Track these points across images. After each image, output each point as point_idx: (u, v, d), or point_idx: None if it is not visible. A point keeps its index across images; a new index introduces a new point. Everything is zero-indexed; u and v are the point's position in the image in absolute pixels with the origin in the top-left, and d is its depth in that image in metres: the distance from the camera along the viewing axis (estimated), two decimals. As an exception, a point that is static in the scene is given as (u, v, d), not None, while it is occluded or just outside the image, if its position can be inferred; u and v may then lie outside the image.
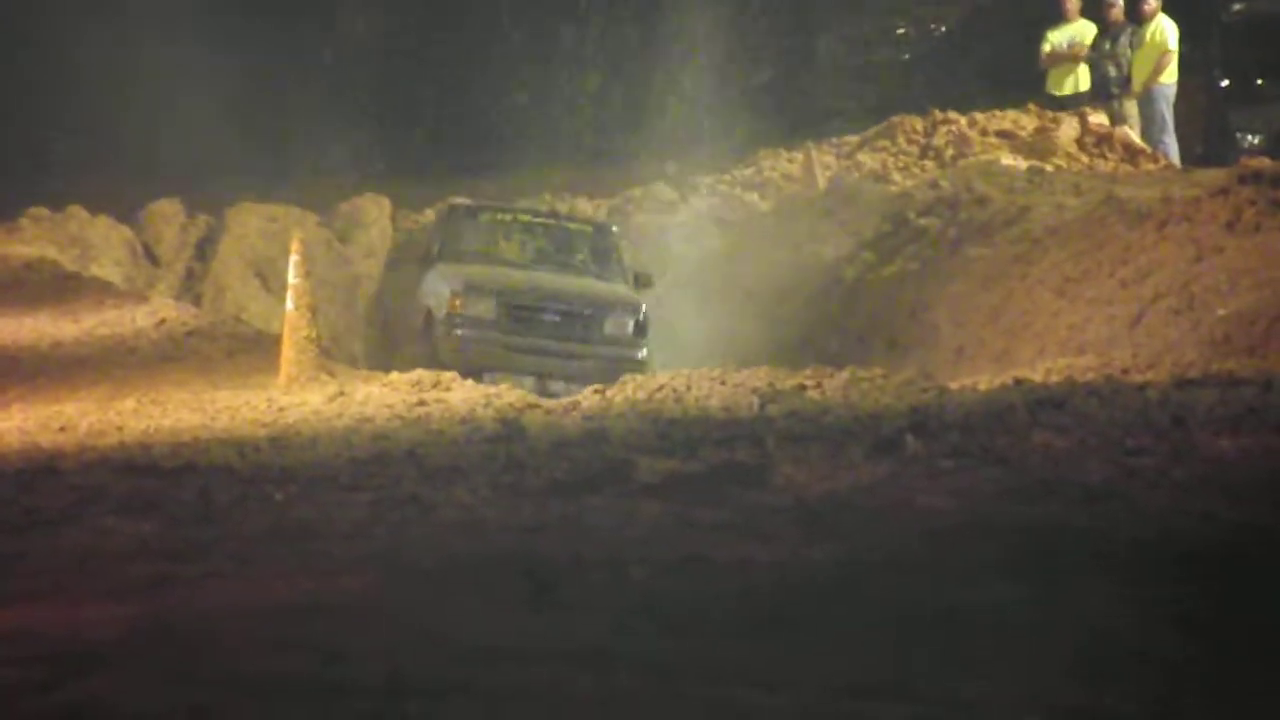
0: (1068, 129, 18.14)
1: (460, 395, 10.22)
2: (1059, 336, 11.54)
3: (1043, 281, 12.42)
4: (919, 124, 19.52)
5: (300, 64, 26.06)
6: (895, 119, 19.78)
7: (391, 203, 20.20)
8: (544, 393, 13.26)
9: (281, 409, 9.88)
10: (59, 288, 15.57)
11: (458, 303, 13.75)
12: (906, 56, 27.48)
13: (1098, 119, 18.14)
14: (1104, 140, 17.90)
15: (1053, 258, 12.63)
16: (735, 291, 15.88)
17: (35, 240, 18.34)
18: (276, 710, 3.62)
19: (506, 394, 10.22)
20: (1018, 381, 8.93)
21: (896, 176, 18.36)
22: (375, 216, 19.88)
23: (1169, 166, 17.17)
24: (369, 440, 8.32)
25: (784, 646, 4.05)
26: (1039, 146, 18.08)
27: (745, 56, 26.06)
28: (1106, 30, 18.22)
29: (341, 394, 10.38)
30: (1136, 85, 18.03)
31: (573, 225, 15.90)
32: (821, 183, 18.33)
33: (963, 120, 19.17)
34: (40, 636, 4.36)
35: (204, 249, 19.32)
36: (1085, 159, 17.73)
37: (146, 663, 4.00)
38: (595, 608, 4.40)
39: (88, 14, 23.86)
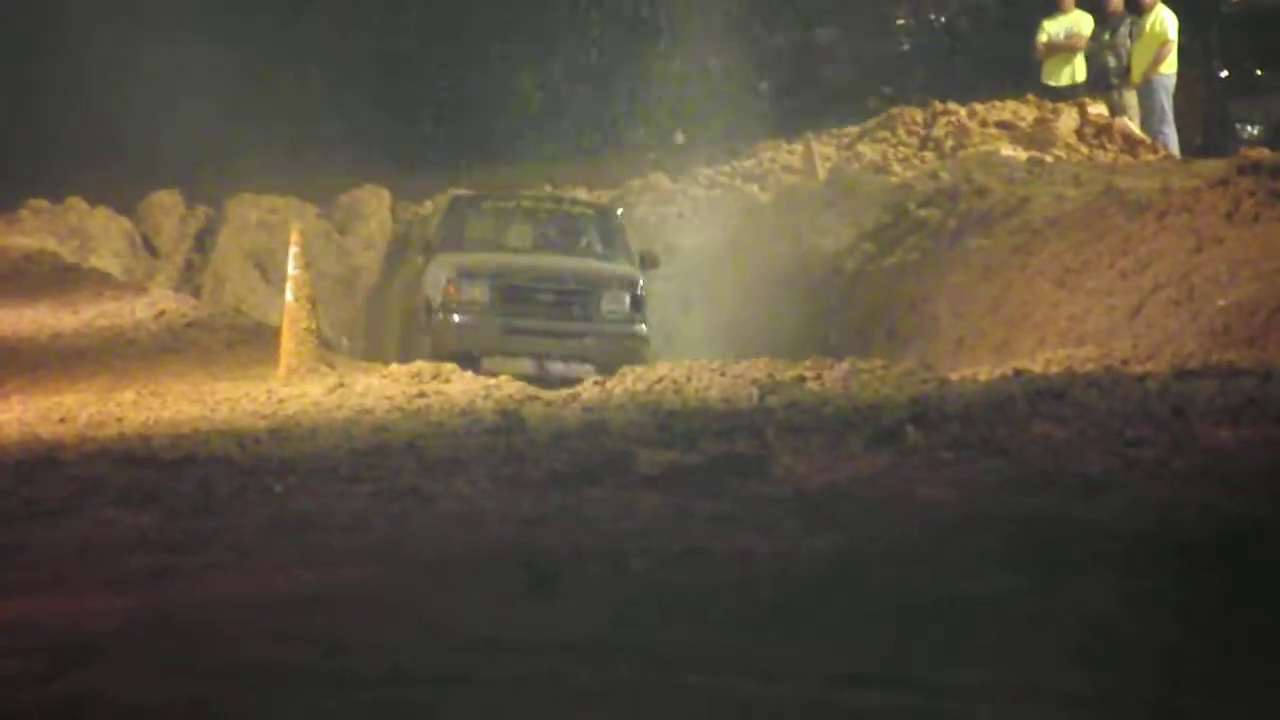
0: (1067, 120, 18.13)
1: (460, 387, 10.22)
2: (1059, 327, 11.54)
3: (1042, 272, 12.42)
4: (919, 115, 19.52)
5: (300, 56, 26.04)
6: (895, 110, 19.78)
7: (391, 194, 20.20)
8: (544, 373, 13.25)
9: (281, 400, 9.89)
10: (58, 279, 15.57)
11: (452, 289, 13.74)
12: (906, 47, 27.47)
13: (1097, 110, 18.14)
14: (1103, 131, 17.90)
15: (1052, 248, 12.63)
16: (735, 283, 15.88)
17: (35, 232, 18.35)
18: (276, 701, 3.62)
19: (506, 385, 10.22)
20: (1018, 372, 8.94)
21: (896, 168, 18.36)
22: (375, 208, 19.88)
23: (1168, 157, 17.17)
24: (369, 432, 8.33)
25: (784, 637, 4.05)
26: (1038, 137, 18.07)
27: (745, 48, 26.03)
28: (1106, 21, 18.21)
29: (341, 385, 10.38)
30: (1136, 76, 18.03)
31: (576, 209, 15.85)
32: (821, 174, 18.32)
33: (962, 111, 19.16)
34: (40, 627, 4.36)
35: (203, 240, 19.33)
36: (1085, 150, 17.73)
37: (146, 654, 4.01)
38: (595, 599, 4.41)
39: (88, 8, 23.84)
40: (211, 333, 13.04)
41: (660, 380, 9.94)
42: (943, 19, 27.49)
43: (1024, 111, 18.73)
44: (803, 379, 9.38)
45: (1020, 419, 6.85)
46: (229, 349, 12.44)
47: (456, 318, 13.66)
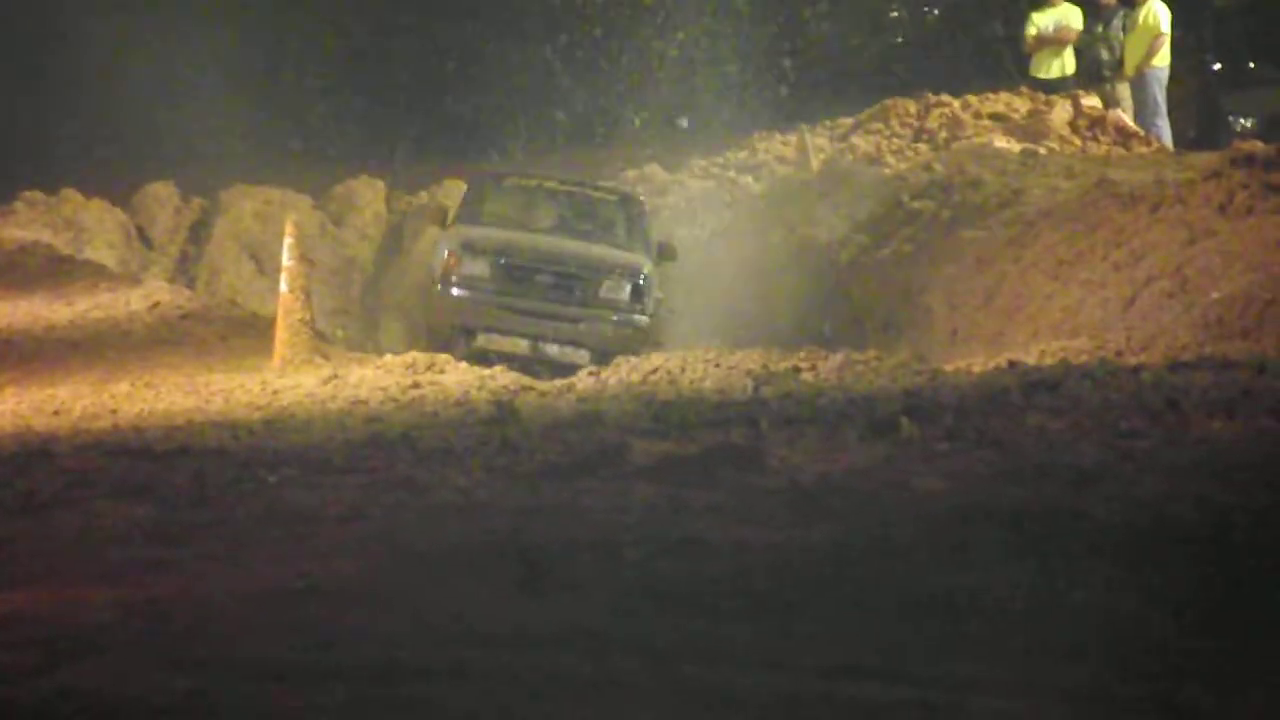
0: (1060, 112, 18.12)
1: (454, 378, 10.23)
2: (1052, 319, 11.55)
3: (1036, 264, 12.43)
4: (912, 107, 19.51)
5: (295, 45, 26.02)
6: (889, 102, 19.77)
7: (386, 185, 20.19)
8: (539, 355, 13.22)
9: (275, 392, 9.89)
10: (53, 271, 15.56)
11: (453, 262, 13.67)
12: (900, 39, 27.47)
13: (1090, 102, 18.14)
14: (1097, 123, 17.89)
15: (1046, 240, 12.63)
16: (729, 274, 15.87)
17: (29, 224, 18.33)
18: (270, 693, 3.62)
19: (500, 376, 10.22)
20: (1012, 364, 8.94)
21: (890, 159, 18.35)
22: (369, 199, 19.87)
23: (1162, 150, 17.17)
24: (363, 423, 8.33)
25: (778, 628, 4.05)
26: (1032, 129, 18.06)
27: (739, 39, 26.02)
28: (1098, 13, 18.21)
29: (335, 377, 10.38)
30: (1129, 68, 18.02)
31: (596, 194, 15.72)
32: (815, 165, 18.31)
33: (956, 103, 19.16)
34: (34, 620, 4.36)
35: (198, 232, 19.32)
36: (1078, 142, 17.73)
37: (140, 647, 4.01)
38: (589, 590, 4.41)
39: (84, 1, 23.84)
40: (206, 324, 13.04)
41: (655, 371, 9.95)
42: (935, 11, 27.49)
43: (1017, 103, 18.73)
44: (797, 370, 9.39)
45: (1014, 411, 6.85)
46: (223, 341, 12.44)
47: (455, 291, 13.58)
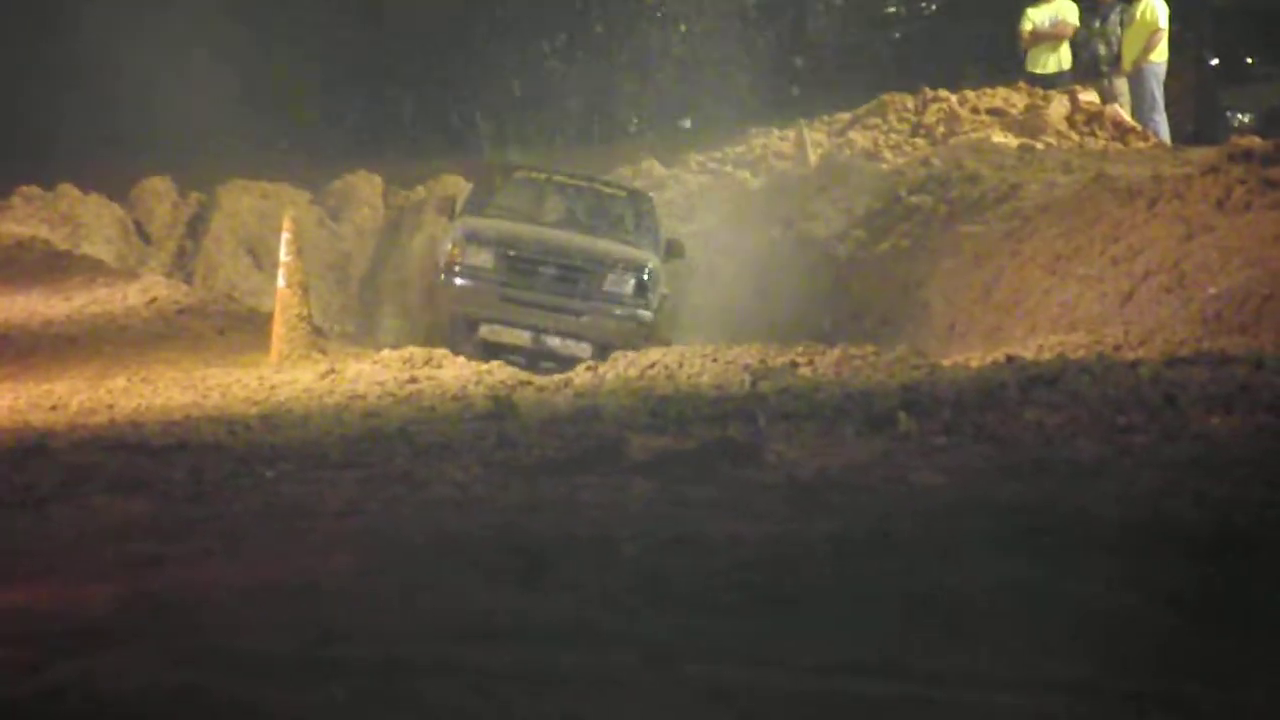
0: (1058, 107, 18.13)
1: (452, 372, 10.23)
2: (1050, 314, 11.55)
3: (1034, 259, 12.43)
4: (910, 102, 19.53)
5: (293, 41, 26.01)
6: (886, 97, 19.78)
7: (383, 180, 20.19)
8: (541, 348, 13.23)
9: (273, 387, 9.89)
10: (50, 266, 15.56)
11: (456, 252, 13.67)
12: (898, 35, 27.48)
13: (1088, 97, 18.14)
14: (1094, 118, 17.91)
15: (1044, 235, 12.64)
16: (727, 268, 15.88)
17: (27, 218, 18.33)
18: (268, 688, 3.61)
19: (498, 371, 10.22)
20: (1009, 359, 8.95)
21: (888, 154, 18.36)
22: (367, 194, 19.88)
23: (1159, 145, 17.18)
24: (360, 418, 8.33)
25: (776, 624, 4.05)
26: (1029, 124, 18.07)
27: (737, 34, 26.02)
28: (1096, 9, 18.22)
29: (333, 371, 10.39)
30: (1127, 63, 18.03)
31: (607, 190, 15.74)
32: (813, 160, 18.32)
33: (953, 98, 19.17)
34: (30, 615, 4.36)
35: (196, 227, 19.33)
36: (1075, 137, 17.74)
37: (138, 642, 4.00)
38: (587, 585, 4.40)
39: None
40: (203, 319, 13.04)
41: (652, 366, 9.95)
42: (934, 6, 27.50)
43: (1015, 98, 18.74)
44: (795, 365, 9.39)
45: (1012, 405, 6.85)
46: (221, 335, 12.45)
47: (458, 281, 13.59)
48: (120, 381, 10.32)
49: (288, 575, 4.65)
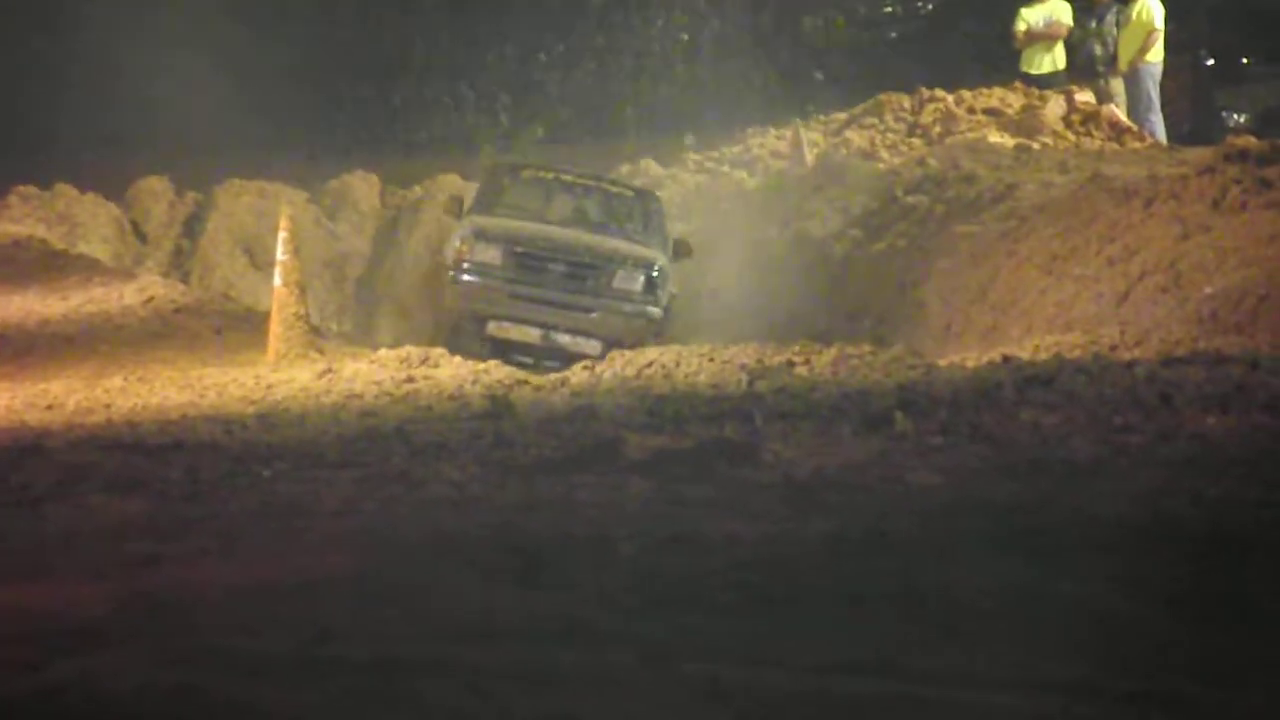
0: (1054, 107, 18.15)
1: (449, 372, 10.23)
2: (1046, 314, 11.55)
3: (1030, 259, 12.43)
4: (906, 101, 19.54)
5: (289, 39, 25.99)
6: (883, 96, 19.79)
7: (381, 179, 20.19)
8: (550, 345, 13.22)
9: (270, 386, 9.89)
10: (47, 265, 15.55)
11: (465, 249, 13.65)
12: (894, 35, 27.48)
13: (1084, 97, 18.16)
14: (1090, 118, 17.92)
15: (1040, 235, 12.64)
16: (723, 268, 15.88)
17: (23, 218, 18.33)
18: (264, 688, 3.61)
19: (495, 370, 10.22)
20: (1006, 359, 8.95)
21: (884, 154, 18.37)
22: (364, 193, 19.87)
23: (1155, 145, 17.20)
24: (357, 417, 8.33)
25: (773, 623, 4.05)
26: (1026, 124, 18.09)
27: (733, 34, 26.02)
28: (1092, 9, 18.23)
29: (330, 371, 10.39)
30: (1123, 64, 18.05)
31: (613, 188, 15.72)
32: (810, 160, 18.33)
33: (950, 98, 19.18)
34: (28, 614, 4.35)
35: (192, 226, 19.32)
36: (1072, 137, 17.75)
37: (134, 641, 4.00)
38: (584, 584, 4.41)
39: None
40: (200, 319, 13.04)
41: (649, 365, 9.95)
42: (930, 5, 27.50)
43: (1011, 98, 18.75)
44: (791, 364, 9.39)
45: (1008, 405, 6.86)
46: (217, 335, 12.44)
47: (466, 278, 13.56)
48: (117, 381, 10.32)
49: (284, 574, 4.65)
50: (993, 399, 7.01)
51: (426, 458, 6.66)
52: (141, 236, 19.29)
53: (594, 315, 13.47)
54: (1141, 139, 17.44)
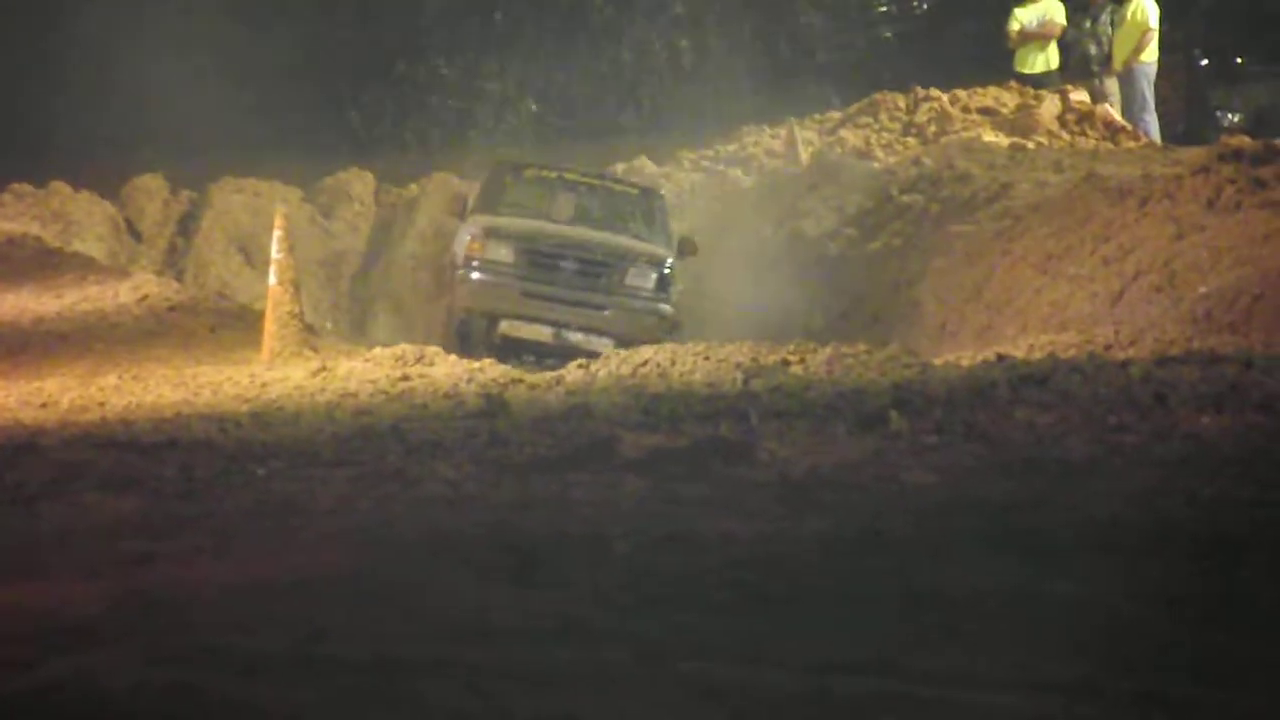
0: (1049, 106, 18.16)
1: (444, 370, 10.22)
2: (1041, 313, 11.56)
3: (1025, 258, 12.44)
4: (901, 101, 19.55)
5: (285, 38, 25.98)
6: (878, 96, 19.80)
7: (375, 178, 20.18)
8: (562, 343, 13.18)
9: (264, 384, 9.88)
10: (41, 263, 15.53)
11: (477, 246, 13.55)
12: (889, 34, 27.48)
13: (1079, 97, 18.17)
14: (1085, 118, 17.93)
15: (1034, 234, 12.65)
16: (718, 266, 15.88)
17: (18, 216, 18.31)
18: (259, 686, 3.61)
19: (490, 369, 10.22)
20: (1000, 358, 8.95)
21: (879, 153, 18.39)
22: (359, 191, 19.86)
23: (1150, 144, 17.21)
24: (352, 415, 8.32)
25: (767, 622, 4.06)
26: (1020, 124, 18.10)
27: (728, 32, 26.01)
28: (1087, 8, 18.24)
29: (324, 369, 10.38)
30: (1117, 63, 18.06)
31: (617, 186, 15.67)
32: (804, 159, 18.33)
33: (944, 97, 19.19)
34: (22, 613, 4.35)
35: (187, 224, 19.31)
36: (1066, 136, 17.77)
37: (129, 639, 4.00)
38: (579, 583, 4.41)
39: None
40: (195, 317, 13.03)
41: (644, 364, 9.95)
42: (925, 5, 27.51)
43: (1006, 98, 18.76)
44: (787, 363, 9.39)
45: (1003, 404, 6.86)
46: (212, 333, 12.43)
47: (477, 275, 13.48)
48: (111, 379, 10.31)
49: (279, 573, 4.65)
50: (987, 398, 7.01)
51: (421, 456, 6.66)
52: (136, 234, 19.28)
53: (606, 313, 13.42)
54: (1136, 138, 17.45)
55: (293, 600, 4.33)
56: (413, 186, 19.72)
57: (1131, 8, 17.83)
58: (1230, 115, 22.74)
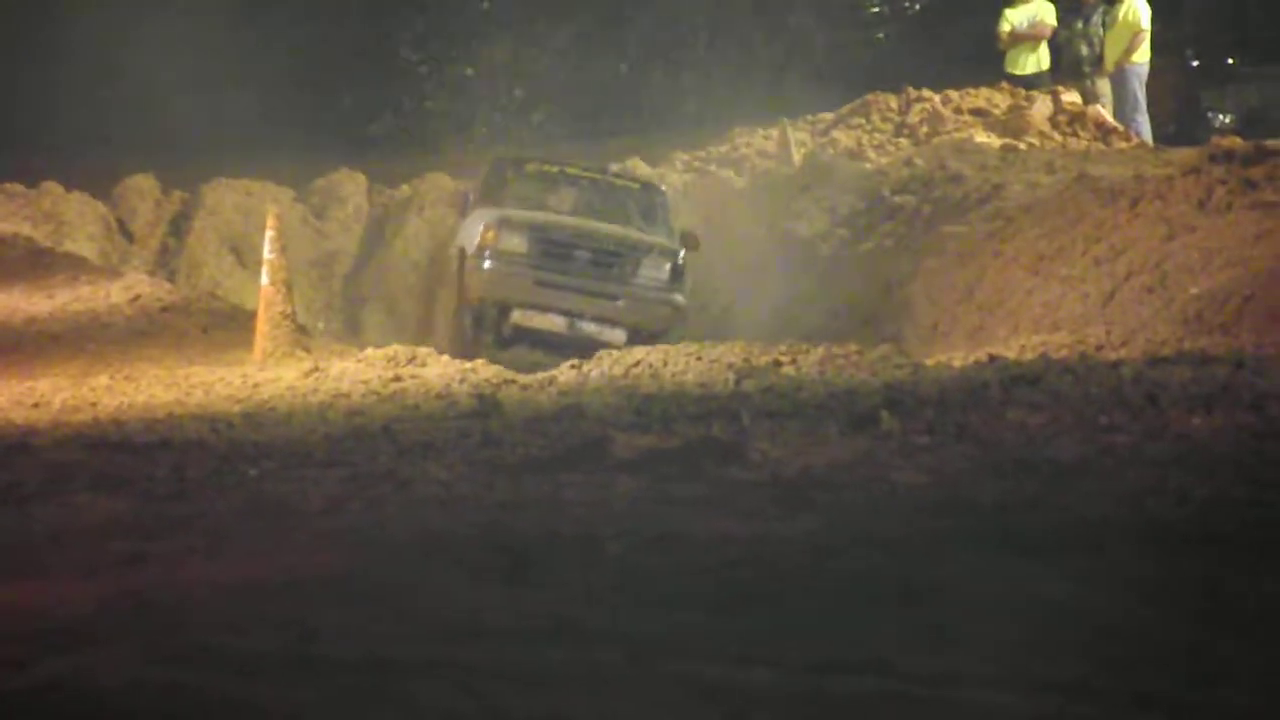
0: (1041, 107, 18.18)
1: (436, 371, 10.22)
2: (1033, 314, 11.58)
3: (1016, 259, 12.46)
4: (893, 102, 19.55)
5: (277, 39, 25.98)
6: (870, 96, 19.81)
7: (368, 178, 20.15)
8: (575, 333, 13.13)
9: (256, 385, 9.88)
10: (33, 263, 15.51)
11: (490, 235, 13.46)
12: (881, 35, 27.50)
13: (1070, 97, 18.19)
14: (1077, 119, 17.95)
15: (1026, 235, 12.67)
16: (711, 267, 15.88)
17: (9, 216, 18.28)
18: (252, 687, 3.62)
19: (482, 369, 10.22)
20: (992, 358, 8.97)
21: (871, 154, 18.39)
22: (351, 192, 19.84)
23: (1141, 145, 17.23)
24: (344, 416, 8.32)
25: (760, 622, 4.06)
26: (1012, 124, 18.12)
27: (722, 33, 26.02)
28: (1079, 9, 18.26)
29: (317, 370, 10.38)
30: (1109, 64, 18.08)
31: (619, 181, 15.63)
32: (797, 160, 18.34)
33: (936, 98, 19.20)
34: (15, 613, 4.35)
35: (179, 224, 19.28)
36: (1058, 137, 17.79)
37: (121, 640, 4.00)
38: (571, 583, 4.41)
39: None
40: (187, 317, 13.02)
41: (637, 364, 9.95)
42: (917, 6, 27.53)
43: (998, 99, 18.78)
44: (779, 363, 9.40)
45: (994, 405, 6.87)
46: (204, 333, 12.42)
47: (490, 264, 13.39)
48: (103, 379, 10.30)
49: (271, 573, 4.65)
50: (979, 399, 7.02)
51: (414, 457, 6.66)
52: (128, 235, 19.26)
53: (620, 303, 13.36)
54: (1128, 139, 17.47)
55: (285, 600, 4.33)
56: (405, 187, 19.70)
57: (1123, 9, 17.86)
58: (1222, 116, 22.75)
